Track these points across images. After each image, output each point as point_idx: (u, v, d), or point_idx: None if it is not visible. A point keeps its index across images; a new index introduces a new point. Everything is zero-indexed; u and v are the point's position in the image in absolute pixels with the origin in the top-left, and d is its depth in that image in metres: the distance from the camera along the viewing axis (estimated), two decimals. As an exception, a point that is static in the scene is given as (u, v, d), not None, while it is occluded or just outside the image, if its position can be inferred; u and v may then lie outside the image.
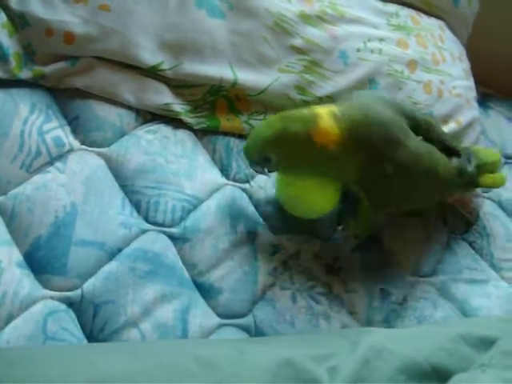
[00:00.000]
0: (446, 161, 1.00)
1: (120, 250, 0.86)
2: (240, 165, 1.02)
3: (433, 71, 1.19)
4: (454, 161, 1.03)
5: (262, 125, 0.89)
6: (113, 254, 0.85)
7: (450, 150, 1.02)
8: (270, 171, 0.90)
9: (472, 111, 1.24)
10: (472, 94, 1.28)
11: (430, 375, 0.72)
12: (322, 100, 1.08)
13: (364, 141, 0.86)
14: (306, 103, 1.06)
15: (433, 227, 1.12)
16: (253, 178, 1.02)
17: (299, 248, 0.96)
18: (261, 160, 0.87)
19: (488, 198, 1.27)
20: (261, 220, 0.98)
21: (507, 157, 1.40)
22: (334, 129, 0.85)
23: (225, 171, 1.01)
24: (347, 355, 0.73)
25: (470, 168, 1.05)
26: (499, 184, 1.16)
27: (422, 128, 0.98)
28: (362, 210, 0.95)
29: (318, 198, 0.92)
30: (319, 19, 1.11)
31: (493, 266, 1.13)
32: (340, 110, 0.87)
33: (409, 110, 0.98)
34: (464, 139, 1.20)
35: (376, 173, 0.89)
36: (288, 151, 0.85)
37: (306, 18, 1.10)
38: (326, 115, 0.85)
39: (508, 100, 1.58)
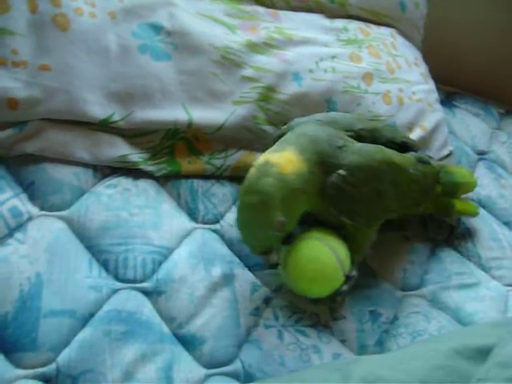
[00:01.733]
0: (399, 154, 0.96)
1: (92, 315, 0.82)
2: (207, 206, 1.00)
3: (390, 80, 1.18)
4: (411, 154, 1.00)
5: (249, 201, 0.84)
6: (85, 320, 0.81)
7: (404, 148, 1.01)
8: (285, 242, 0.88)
9: (436, 114, 1.23)
10: (433, 96, 1.26)
11: (428, 399, 0.70)
12: (280, 128, 1.05)
13: (317, 161, 0.86)
14: (265, 132, 1.05)
15: (414, 238, 1.10)
16: (222, 217, 1.00)
17: (280, 282, 0.93)
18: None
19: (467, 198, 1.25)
20: (236, 259, 0.95)
21: (479, 153, 1.39)
22: (289, 156, 0.84)
23: (192, 215, 0.99)
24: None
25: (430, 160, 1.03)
26: (472, 212, 1.15)
27: (365, 136, 0.95)
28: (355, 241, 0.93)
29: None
30: (267, 46, 1.10)
31: (482, 267, 1.11)
32: (290, 148, 0.86)
33: (346, 122, 0.95)
34: (432, 143, 1.19)
35: (332, 179, 0.87)
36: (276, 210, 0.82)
37: (253, 47, 1.08)
38: (273, 156, 0.84)
39: (472, 96, 1.57)
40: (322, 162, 0.86)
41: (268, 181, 0.81)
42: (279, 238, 0.84)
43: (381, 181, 0.91)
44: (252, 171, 0.83)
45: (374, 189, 0.91)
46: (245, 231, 0.85)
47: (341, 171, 0.86)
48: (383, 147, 0.93)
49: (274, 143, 0.90)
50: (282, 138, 0.90)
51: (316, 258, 0.87)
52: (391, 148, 0.94)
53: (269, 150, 0.87)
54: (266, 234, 0.83)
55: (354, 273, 0.93)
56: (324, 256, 0.88)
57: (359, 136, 0.94)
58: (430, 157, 1.04)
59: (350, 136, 0.92)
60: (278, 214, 0.81)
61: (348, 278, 0.91)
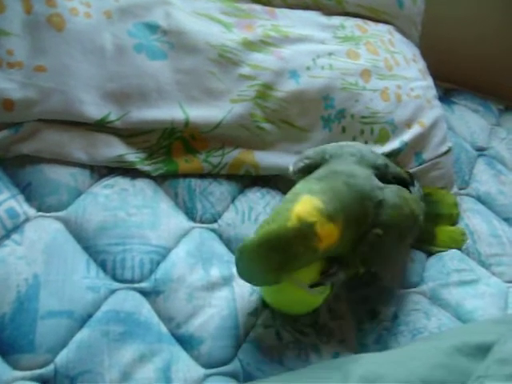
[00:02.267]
0: (412, 195, 0.96)
1: (90, 316, 0.82)
2: (205, 205, 0.99)
3: (388, 77, 1.18)
4: (411, 190, 0.98)
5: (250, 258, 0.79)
6: (83, 321, 0.81)
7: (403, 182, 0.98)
8: None
9: (434, 110, 1.22)
10: (432, 92, 1.26)
11: (428, 398, 0.69)
12: (278, 125, 1.05)
13: (353, 222, 0.83)
14: (262, 130, 1.04)
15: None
16: (220, 216, 0.99)
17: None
18: None
19: (466, 195, 1.25)
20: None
21: (478, 149, 1.39)
22: (332, 229, 0.79)
23: (190, 214, 0.98)
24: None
25: (420, 190, 1.05)
26: (457, 243, 1.13)
27: (382, 171, 0.93)
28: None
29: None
30: (263, 44, 1.10)
31: (481, 264, 1.11)
32: (321, 201, 0.80)
33: (370, 158, 0.92)
34: (431, 140, 1.18)
35: (366, 239, 0.85)
36: (291, 267, 0.80)
37: (249, 45, 1.08)
38: (319, 219, 0.78)
39: (471, 92, 1.57)
40: (357, 221, 0.83)
41: (300, 250, 0.77)
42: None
43: (408, 235, 0.94)
44: (287, 224, 0.77)
45: (402, 243, 0.94)
46: (245, 268, 0.81)
47: (378, 231, 0.85)
48: (402, 190, 0.92)
49: (300, 172, 0.91)
50: (315, 176, 0.87)
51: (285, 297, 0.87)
52: (394, 183, 0.93)
53: (298, 190, 0.83)
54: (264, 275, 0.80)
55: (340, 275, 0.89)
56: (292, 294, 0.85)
57: (382, 174, 0.92)
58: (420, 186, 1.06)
59: (373, 173, 0.90)
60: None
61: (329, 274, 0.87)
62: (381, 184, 0.89)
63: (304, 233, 0.76)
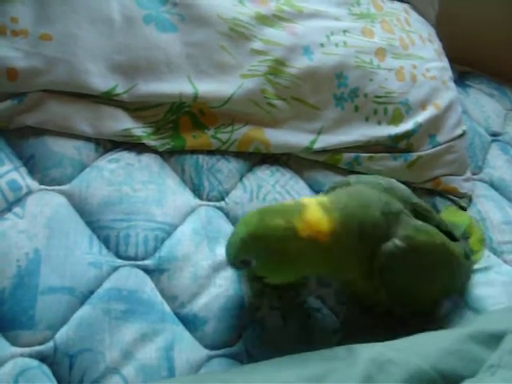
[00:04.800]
0: (454, 244, 0.89)
1: (92, 293, 0.80)
2: (212, 182, 0.97)
3: (403, 56, 1.15)
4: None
5: (239, 223, 0.77)
6: (84, 298, 0.79)
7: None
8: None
9: (450, 92, 1.19)
10: (447, 74, 1.23)
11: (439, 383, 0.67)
12: (289, 102, 1.02)
13: (362, 228, 0.76)
14: (273, 107, 1.02)
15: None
16: (227, 194, 0.97)
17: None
18: (239, 264, 0.77)
19: (479, 180, 1.23)
20: (241, 238, 0.92)
21: (493, 134, 1.36)
22: (323, 219, 0.74)
23: (197, 191, 0.96)
24: (346, 370, 0.68)
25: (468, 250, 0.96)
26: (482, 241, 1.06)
27: (420, 213, 0.85)
28: None
29: None
30: (276, 18, 1.07)
31: (493, 251, 1.09)
32: (330, 199, 0.77)
33: (404, 193, 0.86)
34: (446, 122, 1.15)
35: (381, 251, 0.78)
36: (269, 250, 0.73)
37: (262, 19, 1.05)
38: (313, 205, 0.75)
39: (486, 76, 1.54)
40: (366, 234, 0.76)
41: (277, 222, 0.73)
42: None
43: (437, 265, 0.84)
44: (283, 203, 0.77)
45: (430, 273, 0.83)
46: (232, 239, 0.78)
47: (397, 241, 0.77)
48: (437, 233, 0.84)
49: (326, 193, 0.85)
50: (333, 194, 0.82)
51: None
52: None
53: (313, 197, 0.80)
54: (231, 255, 0.77)
55: None
56: None
57: (414, 211, 0.84)
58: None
59: (404, 207, 0.83)
60: (251, 255, 0.74)
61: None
62: (411, 217, 0.82)
63: (292, 209, 0.74)
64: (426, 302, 0.88)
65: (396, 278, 0.79)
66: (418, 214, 0.84)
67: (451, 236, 0.90)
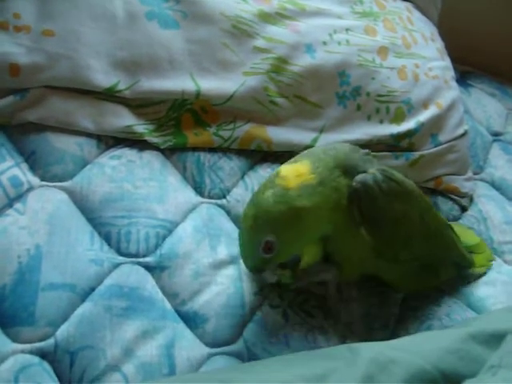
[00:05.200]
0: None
1: (93, 290, 0.80)
2: (214, 180, 0.97)
3: (405, 55, 1.15)
4: None
5: (241, 224, 0.80)
6: (85, 295, 0.79)
7: None
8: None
9: (452, 92, 1.19)
10: (450, 73, 1.23)
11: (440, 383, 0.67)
12: (291, 100, 1.02)
13: (339, 165, 0.79)
14: (275, 104, 1.01)
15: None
16: (229, 192, 0.97)
17: (287, 261, 0.90)
18: (263, 263, 0.77)
19: (480, 180, 1.23)
20: (242, 236, 0.92)
21: (494, 134, 1.36)
22: (299, 167, 0.78)
23: (198, 189, 0.96)
24: (346, 370, 0.68)
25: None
26: (490, 259, 1.06)
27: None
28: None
29: None
30: (279, 16, 1.06)
31: (494, 251, 1.09)
32: (299, 159, 0.81)
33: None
34: (448, 121, 1.15)
35: (369, 186, 0.79)
36: (276, 215, 0.75)
37: (265, 17, 1.05)
38: (286, 166, 0.79)
39: (488, 76, 1.53)
40: (344, 168, 0.78)
41: (268, 195, 0.75)
42: (268, 259, 0.77)
43: (411, 206, 0.84)
44: (264, 181, 0.79)
45: (404, 211, 0.82)
46: (239, 242, 0.80)
47: (374, 170, 0.79)
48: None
49: None
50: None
51: None
52: None
53: (288, 161, 0.82)
54: (253, 253, 0.77)
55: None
56: None
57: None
58: None
59: None
60: (268, 233, 0.75)
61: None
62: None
63: (272, 175, 0.78)
64: (405, 245, 0.85)
65: (372, 207, 0.79)
66: None
67: None
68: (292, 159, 0.82)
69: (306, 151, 0.84)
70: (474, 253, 1.01)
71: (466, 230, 1.07)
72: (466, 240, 1.00)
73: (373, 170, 0.79)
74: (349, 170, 0.79)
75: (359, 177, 0.78)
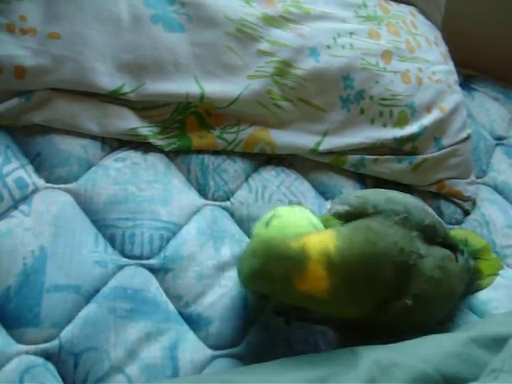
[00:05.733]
0: (457, 267, 0.87)
1: (97, 291, 0.80)
2: (218, 182, 0.97)
3: (409, 59, 1.15)
4: (459, 258, 0.89)
5: (247, 249, 0.75)
6: (89, 296, 0.79)
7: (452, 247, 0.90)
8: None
9: (455, 96, 1.19)
10: (453, 77, 1.23)
11: (442, 387, 0.68)
12: (295, 104, 1.03)
13: (368, 287, 0.75)
14: (279, 108, 1.02)
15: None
16: (233, 194, 0.97)
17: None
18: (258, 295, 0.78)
19: (483, 184, 1.23)
20: (246, 238, 0.93)
21: (497, 138, 1.36)
22: (324, 278, 0.71)
23: (202, 191, 0.96)
24: (348, 373, 0.68)
25: (469, 261, 0.94)
26: (498, 267, 1.03)
27: (428, 233, 0.84)
28: None
29: None
30: (283, 19, 1.07)
31: (496, 255, 1.08)
32: (339, 246, 0.73)
33: (418, 217, 0.83)
34: (451, 125, 1.16)
35: (389, 308, 0.78)
36: (272, 291, 0.73)
37: (269, 20, 1.05)
38: (317, 256, 0.71)
39: (491, 79, 1.54)
40: (367, 283, 0.75)
41: (277, 272, 0.70)
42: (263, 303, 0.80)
43: (443, 310, 0.87)
44: (288, 244, 0.72)
45: (434, 316, 0.86)
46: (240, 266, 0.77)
47: (407, 301, 0.77)
48: (447, 261, 0.84)
49: (338, 218, 0.83)
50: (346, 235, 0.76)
51: None
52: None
53: (326, 230, 0.78)
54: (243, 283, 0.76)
55: None
56: None
57: (423, 233, 0.83)
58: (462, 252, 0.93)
59: (420, 236, 0.82)
60: (255, 288, 0.75)
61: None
62: (423, 250, 0.81)
63: (294, 260, 0.71)
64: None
65: (398, 327, 0.81)
66: (430, 235, 0.84)
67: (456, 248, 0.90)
68: (335, 241, 0.74)
69: (359, 223, 0.80)
70: (481, 259, 0.99)
71: (469, 234, 1.04)
72: (471, 243, 0.99)
73: (407, 301, 0.78)
74: (377, 294, 0.77)
75: (391, 309, 0.78)
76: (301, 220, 0.82)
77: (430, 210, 0.91)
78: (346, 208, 0.84)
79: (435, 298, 0.82)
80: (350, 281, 0.72)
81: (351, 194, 0.88)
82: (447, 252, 0.85)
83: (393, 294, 0.77)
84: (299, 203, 0.89)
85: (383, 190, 0.91)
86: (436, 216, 0.90)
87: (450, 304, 0.89)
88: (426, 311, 0.81)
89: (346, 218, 0.83)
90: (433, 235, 0.85)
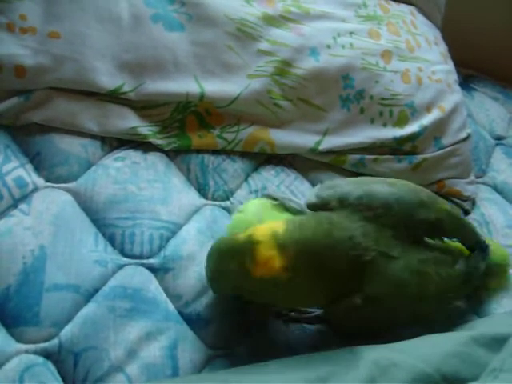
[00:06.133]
0: (446, 272, 0.80)
1: (97, 291, 0.80)
2: (217, 182, 0.97)
3: (409, 59, 1.15)
4: (461, 264, 0.83)
5: (210, 249, 0.77)
6: (89, 296, 0.79)
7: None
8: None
9: (455, 95, 1.19)
10: (453, 77, 1.23)
11: (442, 387, 0.68)
12: (295, 103, 1.03)
13: (321, 267, 0.72)
14: (279, 107, 1.02)
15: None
16: (233, 194, 0.97)
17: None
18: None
19: (483, 183, 1.23)
20: (246, 238, 0.92)
21: (497, 138, 1.36)
22: (275, 257, 0.70)
23: (202, 191, 0.96)
24: (348, 373, 0.68)
25: (482, 267, 0.86)
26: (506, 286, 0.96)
27: (424, 229, 0.80)
28: None
29: None
30: (283, 19, 1.07)
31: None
32: (288, 230, 0.72)
33: (404, 212, 0.79)
34: (451, 125, 1.15)
35: (340, 304, 0.76)
36: (231, 291, 0.76)
37: (269, 20, 1.05)
38: (265, 241, 0.70)
39: (491, 79, 1.54)
40: (321, 271, 0.73)
41: (231, 267, 0.72)
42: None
43: (394, 315, 0.80)
44: (236, 237, 0.73)
45: (381, 318, 0.80)
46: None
47: (356, 300, 0.75)
48: (429, 264, 0.78)
49: (310, 208, 0.81)
50: (307, 218, 0.77)
51: None
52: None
53: (281, 219, 0.76)
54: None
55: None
56: None
57: (415, 231, 0.79)
58: (484, 258, 0.87)
59: (399, 234, 0.77)
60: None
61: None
62: (396, 250, 0.76)
63: (243, 248, 0.71)
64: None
65: (350, 327, 0.81)
66: (420, 230, 0.80)
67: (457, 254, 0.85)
68: (282, 225, 0.74)
69: (313, 221, 0.77)
70: (493, 275, 0.92)
71: (494, 244, 0.95)
72: (492, 256, 0.90)
73: (357, 300, 0.75)
74: (329, 280, 0.75)
75: (338, 309, 0.77)
76: (251, 215, 0.84)
77: (447, 204, 0.85)
78: (313, 200, 0.82)
79: (399, 302, 0.78)
80: (303, 262, 0.71)
81: (332, 182, 0.85)
82: (437, 255, 0.80)
83: (345, 290, 0.75)
84: (267, 196, 0.88)
85: (375, 179, 0.89)
86: (453, 211, 0.86)
87: (424, 310, 0.82)
88: (384, 314, 0.78)
89: (314, 209, 0.81)
90: (431, 231, 0.81)
